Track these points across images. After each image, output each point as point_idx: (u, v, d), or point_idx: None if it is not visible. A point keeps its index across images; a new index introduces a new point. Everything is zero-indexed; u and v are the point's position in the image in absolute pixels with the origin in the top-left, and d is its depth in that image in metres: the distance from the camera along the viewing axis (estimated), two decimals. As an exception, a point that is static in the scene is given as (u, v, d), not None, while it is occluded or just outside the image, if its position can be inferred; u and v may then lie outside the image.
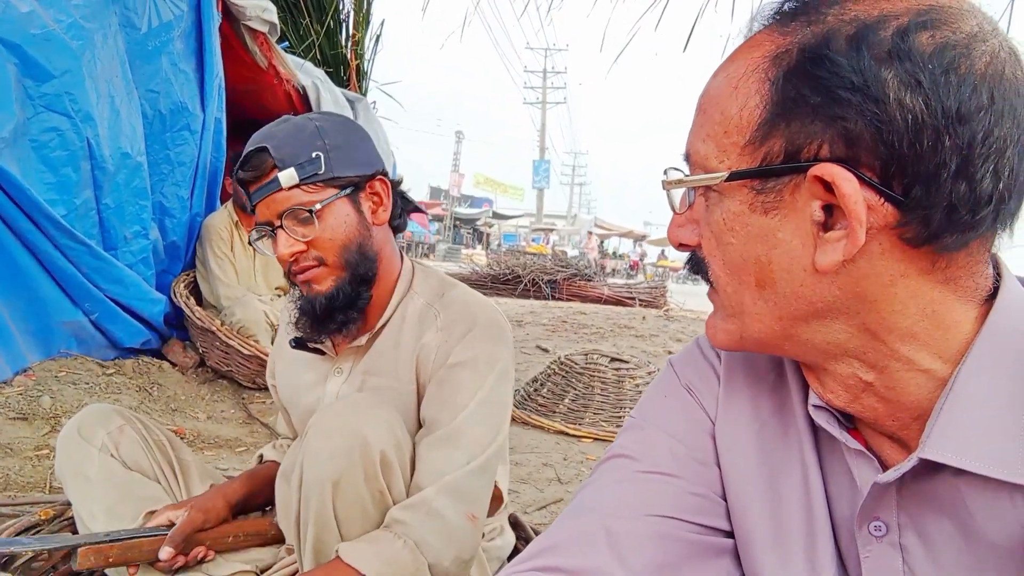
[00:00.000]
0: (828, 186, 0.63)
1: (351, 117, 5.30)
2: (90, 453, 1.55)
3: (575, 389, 4.09)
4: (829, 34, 0.63)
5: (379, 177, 1.53)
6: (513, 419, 3.87)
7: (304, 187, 1.42)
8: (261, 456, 1.80)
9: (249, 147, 1.44)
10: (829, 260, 0.65)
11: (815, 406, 0.77)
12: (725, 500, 0.85)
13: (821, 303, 0.68)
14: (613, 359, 4.32)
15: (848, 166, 0.62)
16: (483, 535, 1.60)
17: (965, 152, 0.60)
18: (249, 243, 1.51)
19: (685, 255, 0.81)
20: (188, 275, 4.28)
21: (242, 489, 1.63)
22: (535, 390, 4.20)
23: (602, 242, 40.89)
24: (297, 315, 1.52)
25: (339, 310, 1.48)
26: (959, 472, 0.66)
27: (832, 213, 0.65)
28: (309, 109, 4.73)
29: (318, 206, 1.43)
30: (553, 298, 12.04)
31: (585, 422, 3.85)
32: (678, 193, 0.78)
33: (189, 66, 4.07)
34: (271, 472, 1.71)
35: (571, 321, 8.47)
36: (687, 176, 0.74)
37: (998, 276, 0.71)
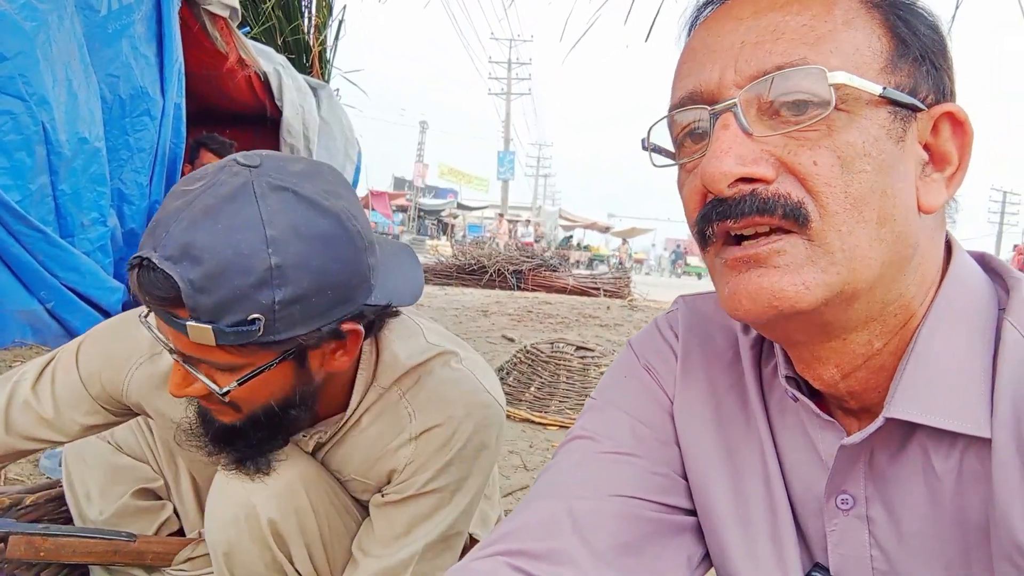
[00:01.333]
0: (936, 127, 0.67)
1: (313, 105, 5.24)
2: (88, 438, 1.56)
3: (541, 377, 4.11)
4: None
5: (351, 325, 1.07)
6: (479, 407, 3.88)
7: (224, 348, 0.99)
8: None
9: (152, 247, 0.95)
10: (939, 200, 0.67)
11: (788, 376, 0.77)
12: (685, 478, 0.86)
13: (912, 248, 0.67)
14: (578, 347, 4.35)
15: None
16: None
17: None
18: (140, 320, 1.08)
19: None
20: (148, 263, 4.21)
21: None
22: (501, 379, 4.21)
23: (570, 237, 40.97)
24: (193, 423, 1.19)
25: (241, 448, 1.18)
26: (928, 435, 0.68)
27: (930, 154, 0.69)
28: (271, 95, 4.66)
29: (234, 384, 1.04)
30: (519, 288, 12.06)
31: (551, 410, 3.87)
32: (741, 118, 0.66)
33: (150, 50, 3.99)
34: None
35: (537, 311, 8.50)
36: (850, 79, 0.63)
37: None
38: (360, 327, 1.09)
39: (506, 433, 3.48)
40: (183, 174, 4.31)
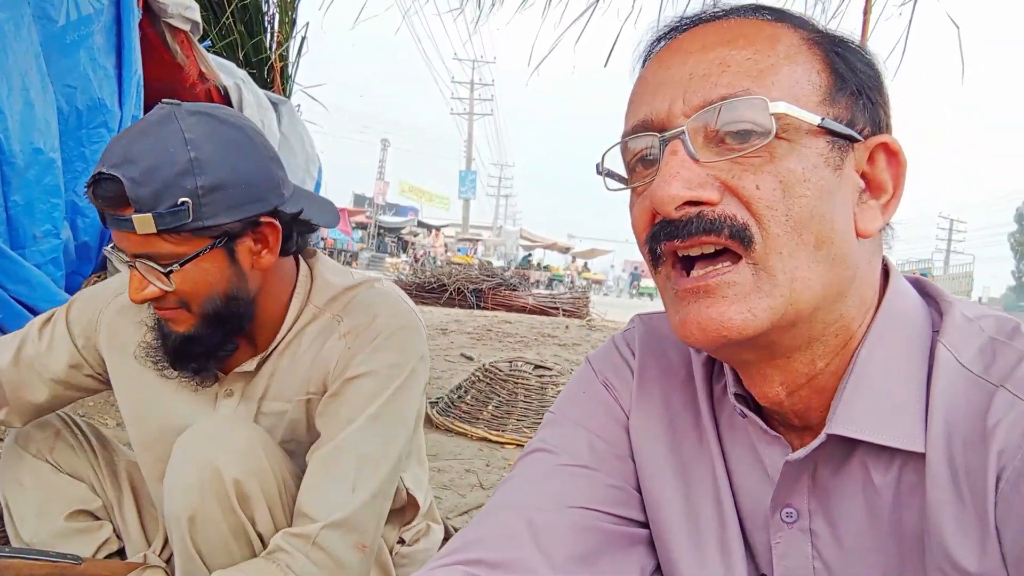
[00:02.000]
0: (872, 157, 0.72)
1: (274, 120, 5.22)
2: (24, 459, 1.57)
3: (499, 396, 4.12)
4: (837, 33, 0.75)
5: (267, 218, 1.29)
6: (436, 426, 3.87)
7: (164, 236, 1.20)
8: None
9: (102, 164, 1.19)
10: (875, 225, 0.72)
11: (737, 394, 0.81)
12: (640, 492, 0.88)
13: (851, 271, 0.71)
14: (537, 366, 4.37)
15: None
16: (403, 541, 1.59)
17: None
18: (104, 251, 1.36)
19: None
20: (99, 277, 4.13)
21: None
22: (459, 397, 4.21)
23: (530, 256, 41.06)
24: (153, 340, 1.37)
25: (197, 355, 1.34)
26: (868, 452, 0.72)
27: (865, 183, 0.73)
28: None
29: (175, 266, 1.22)
30: (478, 307, 12.06)
31: (508, 428, 3.87)
32: (687, 145, 0.70)
33: (108, 62, 3.94)
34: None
35: (496, 330, 8.50)
36: (789, 109, 0.67)
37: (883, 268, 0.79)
38: (276, 223, 1.29)
39: (463, 452, 3.49)
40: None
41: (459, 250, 35.17)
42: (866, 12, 4.14)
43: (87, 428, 1.68)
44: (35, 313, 3.59)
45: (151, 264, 1.22)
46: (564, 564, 0.78)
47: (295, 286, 1.41)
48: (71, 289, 3.88)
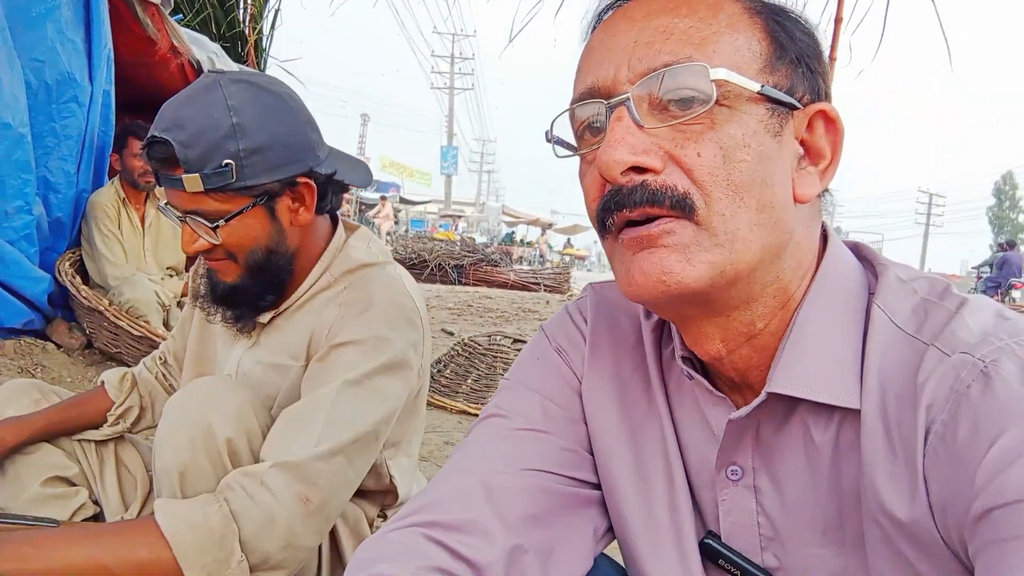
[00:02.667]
0: (810, 124, 0.74)
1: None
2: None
3: (478, 370, 4.15)
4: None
5: (303, 179, 1.39)
6: (415, 399, 3.89)
7: (211, 195, 1.32)
8: (102, 381, 1.75)
9: (155, 129, 1.30)
10: (812, 191, 0.74)
11: (683, 357, 0.83)
12: (592, 454, 0.91)
13: (788, 235, 0.73)
14: (515, 340, 4.40)
15: None
16: (384, 517, 1.60)
17: None
18: (159, 208, 1.46)
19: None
20: (74, 253, 4.11)
21: (39, 425, 1.59)
22: (438, 371, 4.23)
23: (513, 232, 40.99)
24: (203, 289, 1.50)
25: (240, 303, 1.45)
26: (808, 410, 0.74)
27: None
28: (206, 84, 4.58)
29: (221, 222, 1.34)
30: (460, 283, 12.07)
31: (487, 402, 3.90)
32: (632, 112, 0.71)
33: (77, 35, 3.88)
34: (93, 399, 1.70)
35: (477, 305, 8.53)
36: (729, 76, 0.68)
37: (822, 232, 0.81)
38: (312, 183, 1.40)
39: (443, 424, 3.52)
40: (111, 164, 4.22)
41: (441, 226, 35.03)
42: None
43: (66, 396, 1.70)
44: (8, 290, 3.57)
45: (200, 220, 1.34)
46: (518, 524, 0.80)
47: (323, 253, 1.51)
48: (45, 266, 3.85)
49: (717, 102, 0.69)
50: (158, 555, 1.16)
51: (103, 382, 1.73)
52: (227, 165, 1.29)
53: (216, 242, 1.36)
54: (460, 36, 53.62)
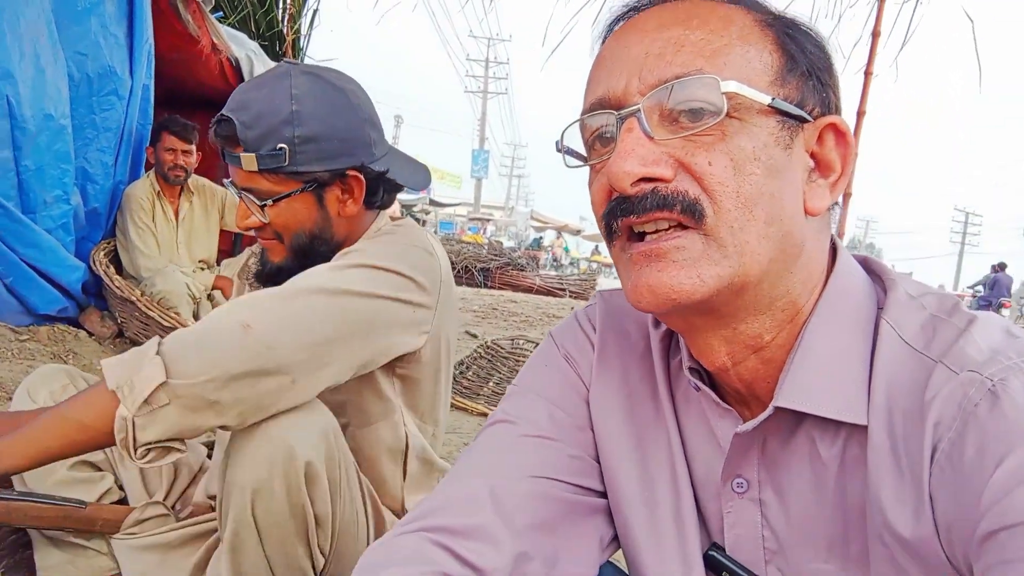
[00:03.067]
0: (821, 137, 0.74)
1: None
2: (31, 409, 1.57)
3: (499, 373, 4.16)
4: (791, 16, 0.77)
5: (353, 172, 1.44)
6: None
7: (264, 175, 1.40)
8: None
9: (225, 108, 1.39)
10: (823, 203, 0.74)
11: (691, 368, 0.83)
12: (599, 462, 0.91)
13: (798, 248, 0.74)
14: (538, 344, 4.40)
15: None
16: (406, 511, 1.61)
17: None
18: (224, 183, 1.50)
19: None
20: (108, 243, 4.19)
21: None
22: (460, 373, 4.25)
23: (540, 238, 40.93)
24: (254, 267, 1.57)
25: (282, 283, 1.43)
26: (814, 425, 0.74)
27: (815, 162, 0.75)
28: (241, 81, 4.65)
29: (270, 201, 1.41)
30: (486, 286, 12.10)
31: (507, 405, 3.91)
32: (644, 123, 0.72)
33: (119, 30, 3.96)
34: None
35: (501, 308, 8.54)
36: (740, 88, 0.69)
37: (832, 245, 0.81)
38: (362, 177, 1.45)
39: (463, 426, 3.53)
40: (147, 156, 4.29)
41: (469, 229, 35.12)
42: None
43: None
44: (45, 277, 3.65)
45: (252, 198, 1.42)
46: (524, 531, 0.80)
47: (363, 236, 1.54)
48: (81, 255, 3.93)
49: (728, 114, 0.69)
50: (102, 392, 1.21)
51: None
52: (281, 149, 1.36)
53: (264, 220, 1.43)
54: (495, 40, 53.80)
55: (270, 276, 1.50)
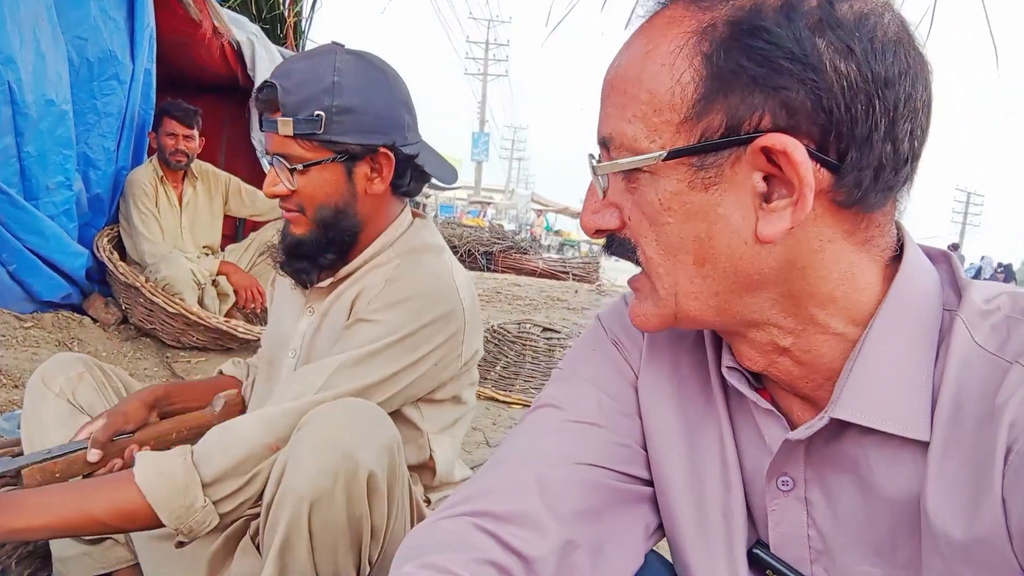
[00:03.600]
0: (769, 156, 0.65)
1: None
2: (47, 397, 1.61)
3: (507, 357, 4.15)
4: (758, 6, 0.65)
5: (384, 150, 1.46)
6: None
7: (298, 141, 1.42)
8: (220, 371, 1.83)
9: (270, 75, 1.43)
10: (776, 230, 0.67)
11: (728, 367, 0.81)
12: (646, 450, 0.89)
13: (757, 275, 0.70)
14: (545, 329, 4.39)
15: (791, 135, 0.65)
16: (428, 502, 1.61)
17: (892, 114, 0.65)
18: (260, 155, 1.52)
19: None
20: (112, 229, 4.16)
21: (161, 391, 1.63)
22: (466, 357, 4.24)
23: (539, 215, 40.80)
24: (278, 240, 1.58)
25: (302, 257, 1.52)
26: (865, 430, 0.71)
27: (770, 183, 0.67)
28: (244, 66, 4.60)
29: (300, 166, 1.43)
30: (489, 270, 12.07)
31: (515, 389, 3.91)
32: (601, 180, 0.75)
33: (120, 14, 3.91)
34: (213, 383, 1.76)
35: (505, 292, 8.53)
36: (621, 160, 0.70)
37: (899, 238, 0.75)
38: (392, 156, 1.47)
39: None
40: (150, 142, 4.26)
41: (469, 212, 35.02)
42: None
43: (113, 372, 1.73)
44: (48, 264, 3.63)
45: (283, 162, 1.43)
46: (570, 519, 0.79)
47: (388, 230, 1.56)
48: (84, 241, 3.90)
49: (640, 169, 0.70)
50: (139, 503, 1.24)
51: (220, 371, 1.82)
52: (318, 116, 1.39)
53: (291, 187, 1.45)
54: (496, 22, 53.45)
55: (290, 249, 1.52)
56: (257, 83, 5.15)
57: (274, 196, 1.48)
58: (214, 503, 1.29)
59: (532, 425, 0.89)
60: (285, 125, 1.40)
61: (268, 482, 1.27)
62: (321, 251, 1.51)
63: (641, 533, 0.86)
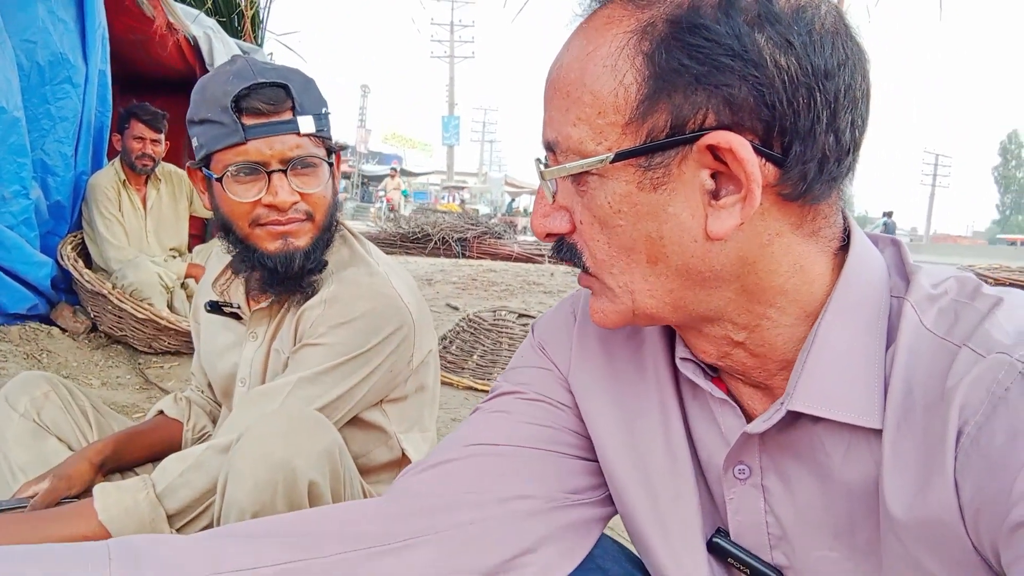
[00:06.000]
0: (716, 154, 0.65)
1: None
2: (12, 417, 1.58)
3: (483, 345, 4.13)
4: (695, 3, 0.64)
5: (338, 151, 1.52)
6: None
7: (314, 139, 1.41)
8: (161, 412, 1.74)
9: (254, 78, 1.34)
10: (725, 226, 0.66)
11: (682, 358, 0.81)
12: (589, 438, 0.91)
13: (709, 272, 0.70)
14: (520, 315, 4.38)
15: (736, 131, 0.64)
16: None
17: (833, 106, 0.65)
18: (218, 179, 1.38)
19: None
20: (76, 236, 4.08)
21: (108, 448, 1.56)
22: (444, 348, 4.21)
23: (513, 201, 40.81)
24: (261, 272, 1.46)
25: (309, 271, 1.45)
26: (818, 419, 0.71)
27: (718, 180, 0.67)
28: (201, 60, 4.52)
29: (328, 166, 1.44)
30: (464, 256, 12.02)
31: (493, 377, 3.89)
32: (549, 184, 0.75)
33: (68, 15, 3.82)
34: (156, 428, 1.69)
35: (481, 279, 8.51)
36: (568, 164, 0.70)
37: (846, 227, 0.75)
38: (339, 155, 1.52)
39: (449, 401, 3.51)
40: (111, 144, 4.17)
41: (442, 198, 34.89)
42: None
43: (79, 391, 1.70)
44: (11, 275, 3.55)
45: (307, 160, 1.40)
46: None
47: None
48: (47, 250, 3.82)
49: (588, 172, 0.70)
50: (103, 538, 1.20)
51: (160, 411, 1.74)
52: (327, 113, 1.42)
53: (312, 186, 1.41)
54: (460, 2, 53.05)
55: (296, 272, 1.43)
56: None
57: (292, 205, 1.40)
58: (177, 530, 1.29)
59: (484, 417, 0.92)
60: (306, 123, 1.38)
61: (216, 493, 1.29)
62: (317, 263, 1.45)
63: (596, 531, 0.90)
